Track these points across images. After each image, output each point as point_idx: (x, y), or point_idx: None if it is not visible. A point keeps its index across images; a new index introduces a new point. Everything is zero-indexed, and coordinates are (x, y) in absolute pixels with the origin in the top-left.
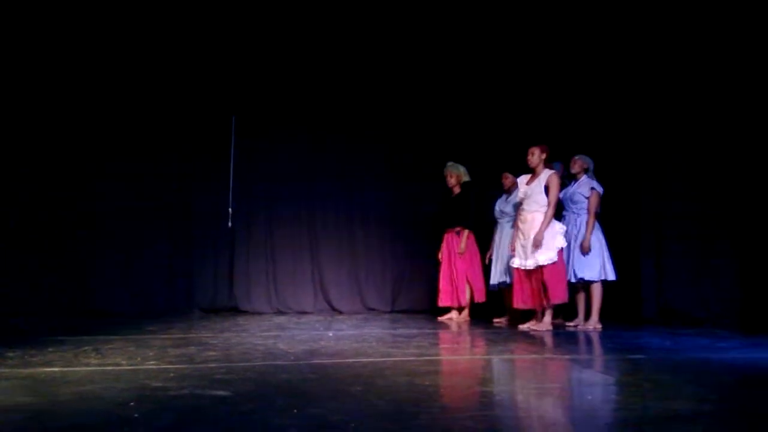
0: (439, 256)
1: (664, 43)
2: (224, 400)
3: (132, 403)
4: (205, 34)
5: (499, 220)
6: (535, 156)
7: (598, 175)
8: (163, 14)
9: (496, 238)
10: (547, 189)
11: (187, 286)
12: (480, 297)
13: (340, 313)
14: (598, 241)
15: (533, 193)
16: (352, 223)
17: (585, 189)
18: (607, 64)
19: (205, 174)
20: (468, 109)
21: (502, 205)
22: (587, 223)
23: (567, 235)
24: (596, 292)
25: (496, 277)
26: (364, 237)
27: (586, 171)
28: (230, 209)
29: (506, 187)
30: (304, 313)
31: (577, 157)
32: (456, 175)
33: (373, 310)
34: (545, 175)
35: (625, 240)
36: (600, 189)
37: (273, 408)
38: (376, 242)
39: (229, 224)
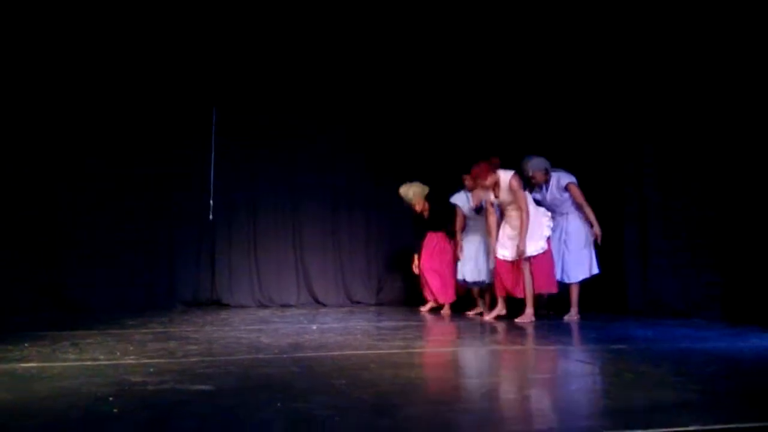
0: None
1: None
2: (206, 394)
3: (111, 399)
4: (183, 26)
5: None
6: (488, 179)
7: (580, 164)
8: (146, 9)
9: (463, 235)
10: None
11: (168, 280)
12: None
13: (325, 306)
14: (585, 235)
15: (508, 199)
16: (336, 215)
17: (558, 188)
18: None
19: (186, 166)
20: (449, 102)
21: (466, 209)
22: (587, 214)
23: (554, 236)
24: (575, 285)
25: (474, 275)
26: (348, 229)
27: (547, 172)
28: (211, 201)
29: (469, 189)
30: (288, 306)
31: (532, 170)
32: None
33: (357, 302)
34: (504, 180)
35: (609, 232)
36: (572, 178)
37: (256, 402)
38: (361, 234)
39: (210, 217)
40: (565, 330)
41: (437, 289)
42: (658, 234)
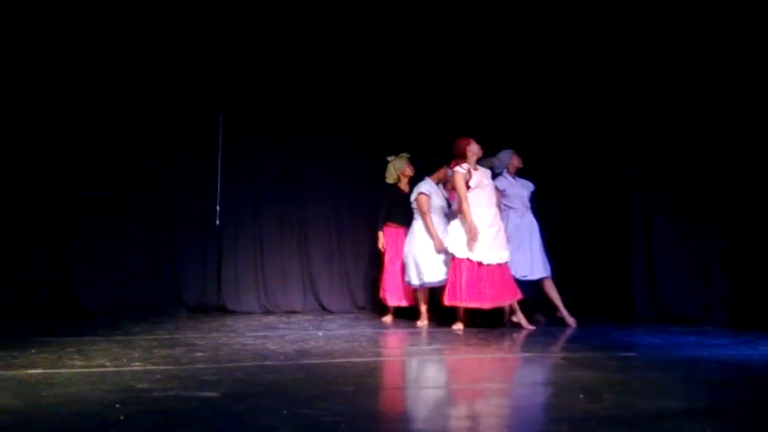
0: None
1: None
2: (212, 401)
3: (118, 405)
4: (191, 31)
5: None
6: (478, 149)
7: (588, 168)
8: (148, 7)
9: (416, 233)
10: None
11: (173, 286)
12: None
13: (330, 312)
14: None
15: (486, 182)
16: (341, 221)
17: (525, 189)
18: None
19: (192, 172)
20: (455, 103)
21: (437, 198)
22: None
23: (517, 231)
24: (551, 287)
25: (434, 275)
26: (353, 235)
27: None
28: (218, 207)
29: (440, 180)
30: (294, 312)
31: (511, 156)
32: None
33: (363, 308)
34: (483, 169)
35: (617, 238)
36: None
37: (262, 409)
38: (366, 240)
39: (217, 222)
40: (570, 337)
41: (400, 290)
42: (665, 240)
